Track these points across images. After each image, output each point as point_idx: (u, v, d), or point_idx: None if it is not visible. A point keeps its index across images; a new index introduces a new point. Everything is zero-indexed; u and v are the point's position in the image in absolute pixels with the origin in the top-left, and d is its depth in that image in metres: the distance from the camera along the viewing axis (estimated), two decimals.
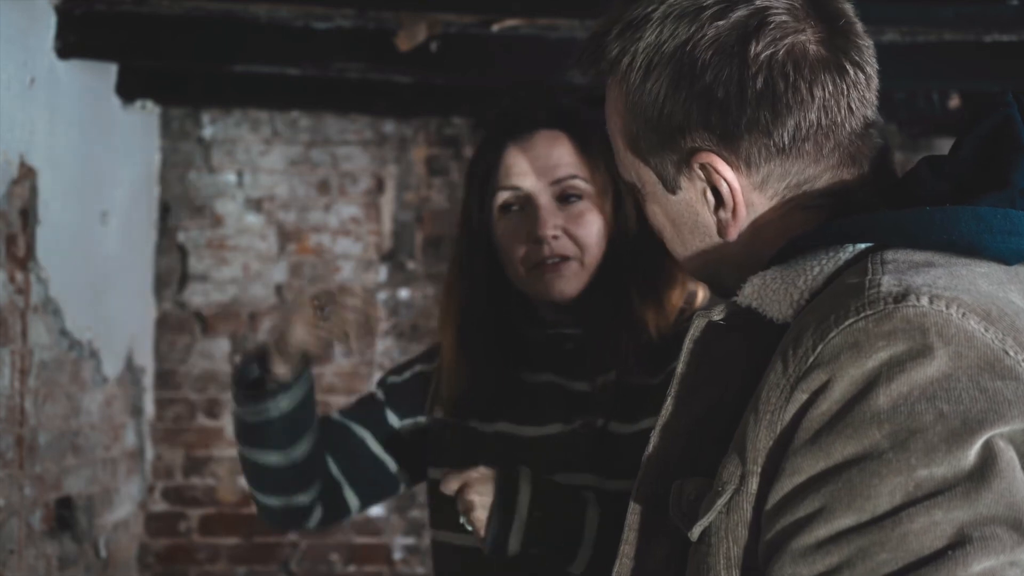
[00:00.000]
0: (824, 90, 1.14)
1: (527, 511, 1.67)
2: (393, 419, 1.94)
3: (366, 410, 1.96)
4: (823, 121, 1.14)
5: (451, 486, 1.70)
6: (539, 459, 1.78)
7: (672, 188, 1.19)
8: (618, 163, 1.25)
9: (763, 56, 1.12)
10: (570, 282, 1.78)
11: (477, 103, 4.23)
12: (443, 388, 1.88)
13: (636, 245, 1.78)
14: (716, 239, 1.20)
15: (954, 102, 3.96)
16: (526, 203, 1.79)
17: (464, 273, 1.87)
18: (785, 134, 1.13)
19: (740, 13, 1.13)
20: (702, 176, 1.17)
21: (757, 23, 1.13)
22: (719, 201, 1.17)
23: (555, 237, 1.77)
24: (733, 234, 1.18)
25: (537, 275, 1.79)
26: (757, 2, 1.14)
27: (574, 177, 1.78)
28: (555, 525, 1.68)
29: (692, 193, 1.19)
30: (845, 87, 1.15)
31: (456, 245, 1.90)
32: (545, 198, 1.78)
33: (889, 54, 3.50)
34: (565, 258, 1.77)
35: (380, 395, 1.97)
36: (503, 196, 1.81)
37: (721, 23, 1.13)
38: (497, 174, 1.81)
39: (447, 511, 1.79)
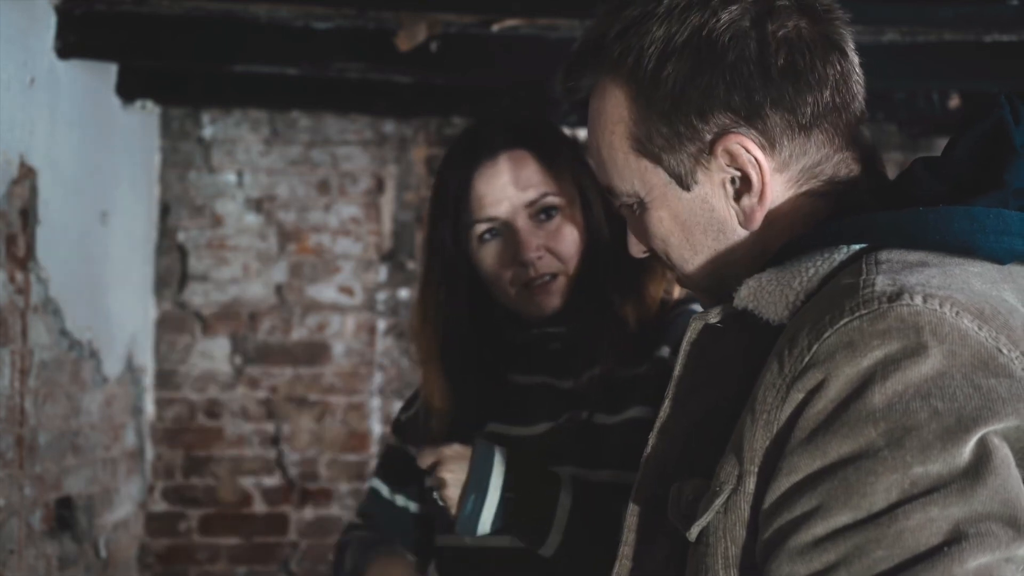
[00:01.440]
0: (834, 69, 1.16)
1: (500, 492, 1.68)
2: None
3: (395, 470, 1.97)
4: (836, 100, 1.16)
5: (425, 461, 1.71)
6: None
7: (687, 184, 1.19)
8: (613, 176, 1.23)
9: (780, 34, 1.15)
10: (558, 297, 1.81)
11: (477, 103, 4.23)
12: (432, 408, 1.89)
13: (610, 245, 1.80)
14: (729, 235, 1.20)
15: (954, 102, 3.96)
16: (504, 229, 1.80)
17: (441, 299, 1.87)
18: (808, 110, 1.15)
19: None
20: (725, 164, 1.17)
21: (767, 7, 1.16)
22: (743, 188, 1.17)
23: (539, 257, 1.78)
24: (758, 220, 1.18)
25: (527, 296, 1.81)
26: None
27: (546, 195, 1.79)
28: (527, 507, 1.69)
29: (708, 187, 1.18)
30: (848, 68, 1.18)
31: (427, 273, 1.88)
32: (522, 220, 1.79)
33: (889, 54, 3.50)
34: (553, 276, 1.80)
35: (396, 441, 1.98)
36: (481, 228, 1.81)
37: (733, 8, 1.15)
38: (469, 205, 1.81)
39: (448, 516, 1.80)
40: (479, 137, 1.84)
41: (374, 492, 1.98)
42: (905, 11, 3.32)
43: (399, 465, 1.96)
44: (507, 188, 1.79)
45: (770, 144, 1.16)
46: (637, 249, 1.29)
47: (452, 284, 1.86)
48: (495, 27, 3.48)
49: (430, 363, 1.88)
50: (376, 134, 4.60)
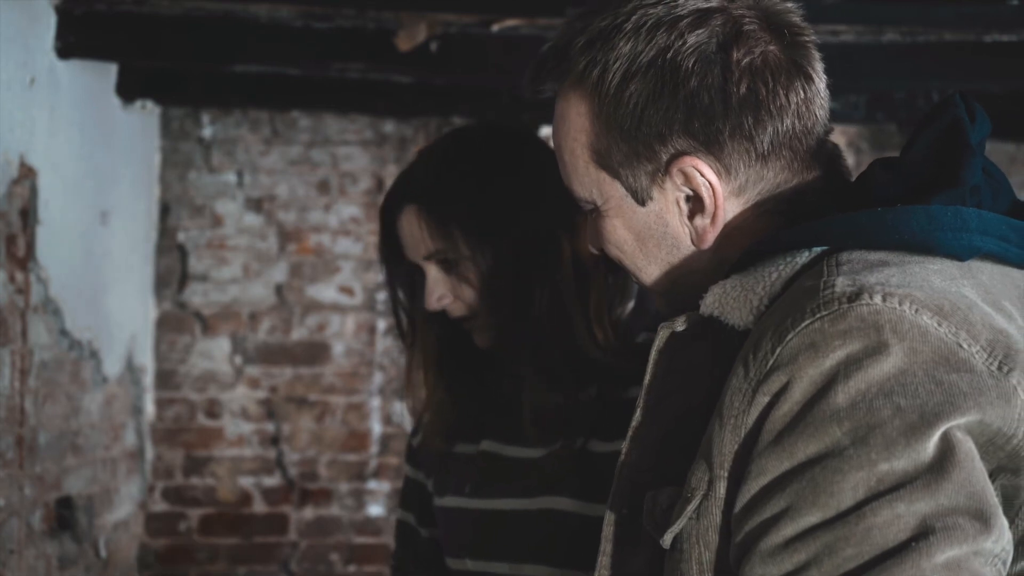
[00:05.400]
0: (797, 96, 1.17)
1: None
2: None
3: (417, 502, 1.96)
4: (797, 127, 1.17)
5: None
6: (523, 481, 1.78)
7: (642, 200, 1.20)
8: (574, 181, 1.24)
9: (744, 62, 1.15)
10: (483, 334, 1.81)
11: (477, 103, 4.23)
12: (432, 423, 1.89)
13: (541, 272, 1.76)
14: (683, 249, 1.21)
15: None
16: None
17: (414, 338, 1.89)
18: (766, 139, 1.16)
19: (717, 22, 1.15)
20: (680, 183, 1.17)
21: (734, 32, 1.15)
22: (696, 208, 1.18)
23: (443, 307, 1.79)
24: (709, 240, 1.19)
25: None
26: (731, 12, 1.16)
27: (436, 251, 1.78)
28: None
29: (663, 204, 1.19)
30: (813, 93, 1.18)
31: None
32: (429, 270, 1.80)
33: (889, 54, 3.50)
34: (469, 316, 1.80)
35: (411, 471, 1.97)
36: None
37: (700, 31, 1.15)
38: None
39: (459, 539, 1.81)
40: (391, 189, 1.86)
41: (403, 525, 1.98)
42: (905, 11, 3.32)
43: (417, 497, 1.95)
44: (406, 241, 1.81)
45: (726, 170, 1.17)
46: (593, 245, 1.29)
47: (414, 321, 1.88)
48: (495, 27, 3.48)
49: (429, 376, 1.89)
50: (376, 134, 4.61)
